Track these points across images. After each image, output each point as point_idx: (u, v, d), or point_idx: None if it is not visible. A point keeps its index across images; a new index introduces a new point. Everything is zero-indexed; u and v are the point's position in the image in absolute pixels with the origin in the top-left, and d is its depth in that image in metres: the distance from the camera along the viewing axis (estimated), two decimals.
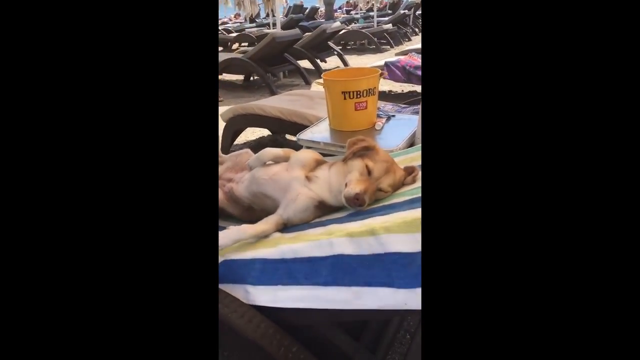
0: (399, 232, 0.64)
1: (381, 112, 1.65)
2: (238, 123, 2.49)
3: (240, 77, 5.35)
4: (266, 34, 7.47)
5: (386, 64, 3.72)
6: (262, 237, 0.88)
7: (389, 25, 8.50)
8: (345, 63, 6.17)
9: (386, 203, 0.81)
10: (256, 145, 2.84)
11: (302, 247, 0.75)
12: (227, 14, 14.46)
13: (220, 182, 1.14)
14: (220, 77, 5.25)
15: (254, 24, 11.11)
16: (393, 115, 1.67)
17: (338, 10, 14.87)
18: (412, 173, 0.90)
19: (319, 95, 2.56)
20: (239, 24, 11.73)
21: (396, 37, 8.50)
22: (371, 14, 10.58)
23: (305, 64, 5.51)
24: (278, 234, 0.88)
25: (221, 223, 1.08)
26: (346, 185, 0.82)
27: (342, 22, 8.52)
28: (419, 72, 3.54)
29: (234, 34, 8.93)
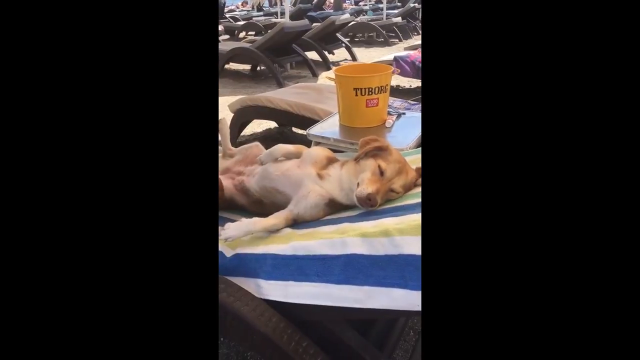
0: (413, 234, 0.64)
1: (391, 110, 1.65)
2: (246, 114, 2.49)
3: (247, 66, 5.33)
4: (274, 24, 7.42)
5: (395, 59, 3.70)
6: (273, 231, 0.89)
7: (399, 19, 8.41)
8: (353, 55, 6.12)
9: (399, 204, 0.82)
10: (263, 138, 2.84)
11: (315, 244, 0.76)
12: (235, 2, 14.33)
13: (230, 174, 1.15)
14: (226, 66, 5.23)
15: (261, 13, 11.01)
16: (403, 113, 1.67)
17: (347, 1, 14.70)
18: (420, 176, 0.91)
19: (328, 88, 2.55)
20: (246, 12, 11.63)
21: (405, 31, 8.42)
22: (380, 5, 10.45)
23: (312, 55, 5.47)
24: (289, 230, 0.89)
25: (230, 215, 1.09)
26: (358, 185, 0.83)
27: (350, 14, 8.43)
28: None
29: (242, 23, 8.86)
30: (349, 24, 6.87)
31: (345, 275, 0.69)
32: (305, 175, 0.93)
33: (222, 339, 1.17)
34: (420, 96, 2.44)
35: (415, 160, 1.12)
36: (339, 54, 6.30)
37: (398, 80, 4.22)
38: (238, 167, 1.17)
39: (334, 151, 1.44)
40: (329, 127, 1.58)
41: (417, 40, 8.05)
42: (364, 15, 10.16)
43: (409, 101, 2.34)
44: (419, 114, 1.71)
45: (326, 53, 5.61)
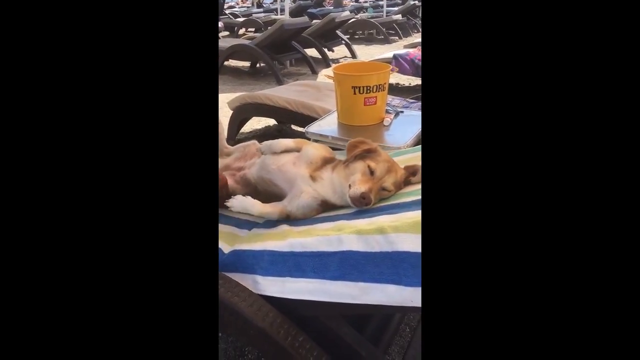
0: (408, 232, 0.65)
1: (390, 108, 1.65)
2: (245, 112, 2.50)
3: (247, 63, 5.32)
4: (274, 20, 7.41)
5: (395, 57, 3.70)
6: (269, 226, 0.92)
7: (399, 16, 8.40)
8: (352, 53, 6.12)
9: (394, 202, 0.83)
10: (262, 135, 2.85)
11: (311, 241, 0.77)
12: None
13: (230, 171, 1.17)
14: (226, 63, 5.22)
15: (261, 9, 10.98)
16: (401, 112, 1.68)
17: None
18: (414, 172, 0.92)
19: (327, 86, 2.56)
20: (246, 9, 11.60)
21: (405, 28, 8.40)
22: (380, 2, 10.43)
23: (312, 52, 5.47)
24: (287, 227, 0.90)
25: (230, 212, 1.10)
26: (350, 186, 0.85)
27: (351, 11, 8.42)
28: None
29: (241, 19, 8.84)
30: (349, 21, 6.86)
31: (341, 272, 0.70)
32: (299, 175, 0.95)
33: (220, 334, 1.18)
34: (419, 94, 2.45)
35: (412, 158, 1.13)
36: (339, 51, 6.29)
37: (397, 78, 4.22)
38: (238, 164, 1.18)
39: (332, 149, 1.45)
40: (327, 125, 1.59)
41: (416, 37, 8.04)
42: (364, 12, 10.15)
43: (407, 99, 2.35)
44: (417, 112, 1.72)
45: (326, 50, 5.60)
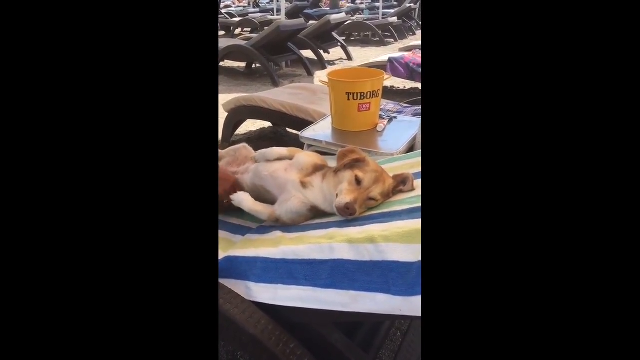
0: (398, 241, 0.67)
1: (383, 114, 1.67)
2: (240, 114, 2.50)
3: (242, 64, 5.32)
4: (270, 20, 7.40)
5: (390, 60, 3.73)
6: (262, 232, 0.94)
7: (394, 19, 8.43)
8: (348, 55, 6.14)
9: (385, 210, 0.84)
10: (257, 137, 2.86)
11: (303, 249, 0.78)
12: None
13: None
14: (221, 63, 5.22)
15: (257, 9, 10.97)
16: (395, 117, 1.70)
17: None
18: (403, 181, 0.94)
19: (322, 89, 2.57)
20: (242, 8, 11.57)
21: (401, 31, 8.45)
22: (377, 4, 10.46)
23: (308, 53, 5.48)
24: (280, 233, 0.91)
25: (226, 218, 1.11)
26: (337, 195, 0.86)
27: (347, 12, 8.44)
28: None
29: (237, 19, 8.82)
30: (345, 23, 6.88)
31: (332, 280, 0.71)
32: (290, 181, 0.97)
33: None
34: (412, 99, 2.47)
35: (404, 166, 1.15)
36: (335, 53, 6.31)
37: (392, 81, 4.25)
38: (231, 168, 1.19)
39: (326, 154, 1.46)
40: (321, 130, 1.60)
41: (412, 40, 8.08)
42: (360, 13, 10.17)
43: (401, 104, 2.37)
44: (410, 118, 1.74)
45: (322, 52, 5.62)
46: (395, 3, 12.16)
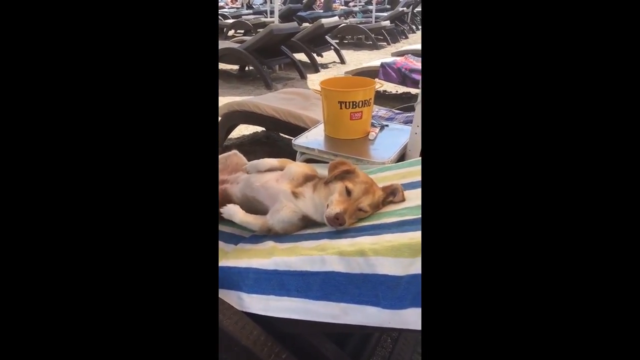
0: (387, 255, 0.69)
1: (375, 122, 1.69)
2: (233, 119, 2.51)
3: (235, 67, 5.32)
4: (263, 23, 7.39)
5: (382, 65, 3.76)
6: (254, 241, 0.95)
7: (387, 22, 8.49)
8: (341, 58, 6.17)
9: (376, 222, 0.86)
10: (250, 141, 2.86)
11: (295, 260, 0.79)
12: None
13: None
14: None
15: (250, 11, 10.95)
16: (386, 125, 1.72)
17: (336, 2, 14.74)
18: (393, 192, 0.96)
19: (315, 94, 2.59)
20: (235, 10, 11.55)
21: (393, 34, 8.51)
22: (370, 7, 10.52)
23: (301, 57, 5.50)
24: (272, 243, 0.92)
25: (219, 227, 1.12)
26: (327, 206, 0.88)
27: (340, 15, 8.47)
28: (414, 76, 3.59)
29: (231, 20, 8.81)
30: (338, 27, 6.91)
31: (323, 292, 0.72)
32: (281, 191, 0.98)
33: None
34: (404, 105, 2.50)
35: (395, 175, 1.17)
36: (328, 57, 6.34)
37: (384, 86, 4.28)
38: (221, 176, 1.20)
39: (318, 161, 1.48)
40: (313, 137, 1.61)
41: (404, 44, 8.14)
42: (353, 17, 10.22)
43: (393, 110, 2.40)
44: (401, 126, 1.76)
45: (315, 55, 5.64)
46: (388, 6, 12.24)
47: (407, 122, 2.07)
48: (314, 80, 5.03)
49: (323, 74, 5.44)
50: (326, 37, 6.04)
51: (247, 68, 5.27)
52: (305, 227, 0.98)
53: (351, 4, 14.14)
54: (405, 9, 9.84)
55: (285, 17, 8.24)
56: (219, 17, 9.25)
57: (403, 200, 0.95)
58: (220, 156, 1.26)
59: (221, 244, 1.05)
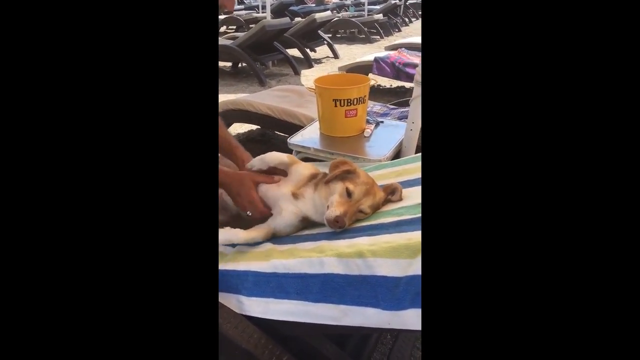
0: (385, 256, 0.69)
1: (370, 118, 1.69)
2: (227, 117, 2.49)
3: (228, 64, 5.28)
4: (255, 18, 7.33)
5: (375, 60, 3.75)
6: (253, 244, 0.94)
7: (380, 15, 8.45)
8: (335, 53, 6.14)
9: (373, 222, 0.86)
10: (245, 139, 2.85)
11: (294, 263, 0.79)
12: None
13: None
14: None
15: (242, 6, 10.86)
16: (381, 122, 1.72)
17: None
18: (392, 192, 0.96)
19: (309, 91, 2.58)
20: None
21: (386, 28, 8.47)
22: (362, 0, 10.46)
23: (294, 52, 5.47)
24: (270, 245, 0.92)
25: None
26: (328, 207, 0.87)
27: (332, 9, 8.42)
28: (408, 70, 3.58)
29: (222, 17, 8.72)
30: (331, 21, 6.87)
31: (322, 294, 0.73)
32: (281, 194, 0.97)
33: None
34: (399, 100, 2.49)
35: (391, 173, 1.17)
36: (321, 51, 6.30)
37: (379, 80, 4.27)
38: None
39: (314, 160, 1.48)
40: (309, 136, 1.61)
41: (398, 37, 8.12)
42: (345, 10, 10.16)
43: (388, 105, 2.40)
44: (396, 123, 1.76)
45: (308, 51, 5.61)
46: None
47: (402, 117, 2.06)
48: (308, 76, 5.01)
49: (317, 69, 5.41)
50: (319, 31, 6.00)
51: (240, 65, 5.24)
52: (304, 228, 0.98)
53: None
54: (397, 1, 9.80)
55: (277, 12, 8.18)
56: None
57: (401, 199, 0.95)
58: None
59: (220, 247, 1.05)
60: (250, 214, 0.99)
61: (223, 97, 2.66)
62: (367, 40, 7.74)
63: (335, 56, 6.14)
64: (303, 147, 1.50)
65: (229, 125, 2.72)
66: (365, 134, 1.56)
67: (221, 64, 5.36)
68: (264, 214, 0.99)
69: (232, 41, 4.74)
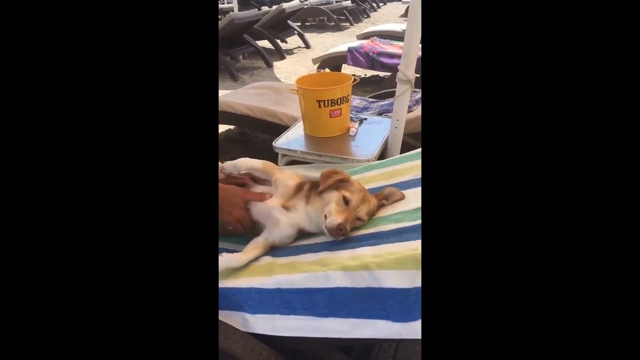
0: (392, 268, 0.70)
1: (353, 116, 1.69)
2: None
3: None
4: (222, 9, 7.10)
5: (349, 50, 3.73)
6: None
7: (348, 2, 8.38)
8: (306, 43, 6.07)
9: (373, 231, 0.87)
10: (223, 139, 2.79)
11: (299, 278, 0.79)
12: None
13: None
14: None
15: None
16: (365, 119, 1.72)
17: None
18: (386, 197, 0.97)
19: (287, 87, 2.54)
20: None
21: (355, 14, 8.44)
22: None
23: (265, 43, 5.36)
24: (269, 259, 0.91)
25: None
26: (326, 217, 0.87)
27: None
28: (383, 59, 3.59)
29: None
30: (300, 10, 6.75)
31: (330, 309, 0.73)
32: (272, 206, 0.96)
33: None
34: (378, 93, 2.50)
35: (383, 175, 1.17)
36: (292, 42, 6.21)
37: (353, 70, 4.26)
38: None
39: (302, 163, 1.46)
40: (294, 137, 1.59)
41: (367, 23, 8.10)
42: None
43: (367, 98, 2.40)
44: (379, 119, 1.77)
45: (279, 41, 5.51)
46: None
47: (382, 112, 2.08)
48: (281, 68, 4.93)
49: (289, 61, 5.33)
50: (288, 21, 5.90)
51: None
52: (300, 238, 0.97)
53: None
54: None
55: (243, 2, 7.95)
56: None
57: (403, 197, 0.96)
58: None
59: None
60: (232, 227, 0.97)
61: None
62: (337, 27, 7.68)
63: (307, 46, 6.06)
64: (289, 150, 1.49)
65: None
66: (351, 133, 1.56)
67: None
68: (250, 229, 0.98)
69: None
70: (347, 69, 4.28)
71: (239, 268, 0.91)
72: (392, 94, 2.25)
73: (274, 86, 2.61)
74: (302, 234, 0.97)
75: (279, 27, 5.67)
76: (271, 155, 1.41)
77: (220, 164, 1.09)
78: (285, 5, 5.49)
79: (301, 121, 1.64)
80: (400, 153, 1.49)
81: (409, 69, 1.32)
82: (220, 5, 8.04)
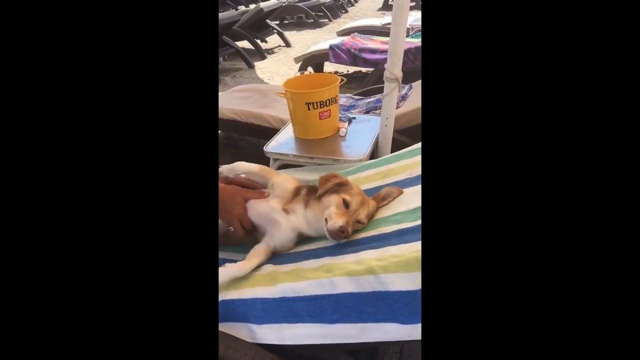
0: (397, 271, 0.70)
1: (342, 116, 1.69)
2: None
3: None
4: None
5: (331, 47, 3.73)
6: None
7: None
8: (286, 42, 6.03)
9: (374, 233, 0.87)
10: None
11: (303, 285, 0.79)
12: None
13: None
14: None
15: None
16: (354, 118, 1.72)
17: None
18: (384, 198, 0.97)
19: (272, 89, 2.53)
20: None
21: (334, 10, 8.41)
22: None
23: (245, 44, 5.31)
24: (271, 267, 0.91)
25: None
26: (326, 220, 0.87)
27: None
28: (365, 55, 3.59)
29: None
30: (278, 8, 6.70)
31: (338, 315, 0.73)
32: (272, 209, 0.96)
33: None
34: (363, 90, 2.50)
35: (377, 175, 1.18)
36: (272, 41, 6.16)
37: (335, 67, 4.26)
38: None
39: (293, 167, 1.46)
40: (284, 140, 1.59)
41: (346, 18, 8.10)
42: None
43: (353, 96, 2.40)
44: (367, 117, 1.78)
45: (259, 41, 5.46)
46: None
47: (369, 110, 2.08)
48: (263, 68, 4.89)
49: (270, 60, 5.29)
50: (267, 20, 5.84)
51: None
52: (301, 243, 0.97)
53: None
54: None
55: (219, 3, 7.84)
56: None
57: (401, 192, 0.97)
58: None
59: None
60: (232, 229, 0.96)
61: None
62: (316, 24, 7.65)
63: (287, 44, 6.03)
64: (281, 154, 1.48)
65: None
66: (341, 134, 1.56)
67: None
68: (250, 231, 0.98)
69: None
70: (330, 67, 4.27)
71: (241, 278, 0.90)
72: (377, 90, 2.27)
73: (259, 88, 2.59)
74: (301, 238, 0.97)
75: (258, 27, 5.61)
76: (261, 159, 1.40)
77: None
78: (263, 4, 5.44)
79: (290, 124, 1.64)
80: (391, 150, 1.50)
81: (395, 68, 1.33)
82: None
